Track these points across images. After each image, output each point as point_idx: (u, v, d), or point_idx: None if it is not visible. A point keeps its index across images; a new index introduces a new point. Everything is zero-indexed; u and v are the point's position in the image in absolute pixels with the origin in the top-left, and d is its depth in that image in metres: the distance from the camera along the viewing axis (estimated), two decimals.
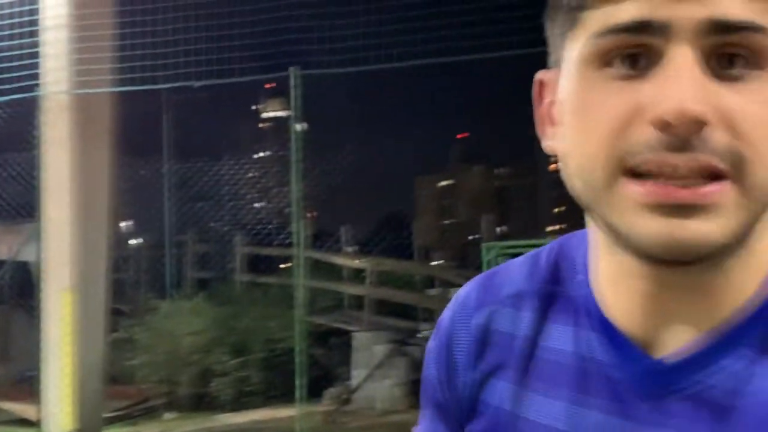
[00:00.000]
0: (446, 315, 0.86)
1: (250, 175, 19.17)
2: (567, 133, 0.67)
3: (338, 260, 15.60)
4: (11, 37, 11.17)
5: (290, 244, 13.19)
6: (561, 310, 0.76)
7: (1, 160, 13.41)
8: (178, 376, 12.37)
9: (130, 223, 18.62)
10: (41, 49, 11.19)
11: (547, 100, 0.73)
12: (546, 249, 0.82)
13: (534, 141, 0.80)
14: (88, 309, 11.19)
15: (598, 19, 0.63)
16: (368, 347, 12.55)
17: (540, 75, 0.74)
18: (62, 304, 10.20)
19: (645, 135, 0.60)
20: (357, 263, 15.18)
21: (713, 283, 0.66)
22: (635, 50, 0.62)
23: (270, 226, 16.58)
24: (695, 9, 0.60)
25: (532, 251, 0.84)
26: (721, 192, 0.60)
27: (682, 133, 0.59)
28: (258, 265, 16.55)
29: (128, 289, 16.56)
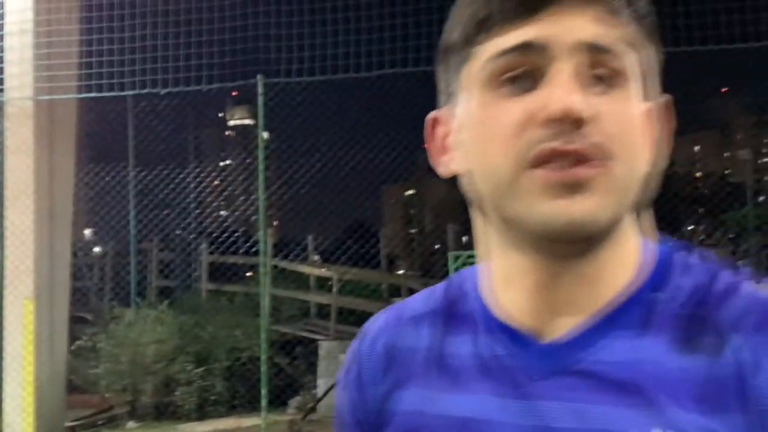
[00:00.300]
0: (354, 346, 0.96)
1: (216, 183, 19.10)
2: (469, 150, 0.80)
3: (304, 269, 15.60)
4: None
5: (256, 253, 13.14)
6: (458, 324, 0.86)
7: None
8: (142, 385, 12.28)
9: (94, 230, 18.45)
10: (4, 55, 11.09)
11: (440, 133, 0.86)
12: (442, 282, 0.94)
13: None
14: (51, 317, 11.09)
15: (489, 49, 0.76)
16: (334, 356, 12.55)
17: (431, 115, 0.87)
18: (24, 312, 10.10)
19: (537, 134, 0.73)
20: (323, 272, 15.19)
21: (592, 274, 0.78)
22: (522, 70, 0.75)
23: (236, 234, 16.49)
24: (568, 34, 0.74)
25: (431, 286, 0.95)
26: (596, 174, 0.73)
27: (568, 128, 0.72)
28: (223, 273, 16.48)
29: (92, 296, 16.40)
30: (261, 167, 10.19)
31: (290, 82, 10.77)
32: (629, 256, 0.80)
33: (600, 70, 0.74)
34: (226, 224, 18.80)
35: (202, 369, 12.63)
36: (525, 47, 0.74)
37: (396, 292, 14.83)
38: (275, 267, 14.00)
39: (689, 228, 18.28)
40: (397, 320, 0.92)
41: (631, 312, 0.77)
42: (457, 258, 11.10)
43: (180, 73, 10.86)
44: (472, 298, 0.87)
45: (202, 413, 12.41)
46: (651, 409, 0.72)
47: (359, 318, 14.28)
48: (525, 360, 0.79)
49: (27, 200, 10.78)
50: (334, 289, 14.16)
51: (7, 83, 10.97)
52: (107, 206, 15.18)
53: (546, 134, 0.72)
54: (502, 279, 0.82)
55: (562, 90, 0.72)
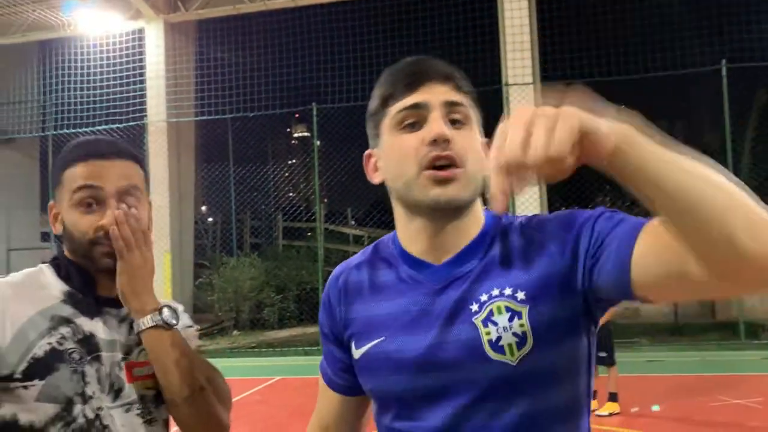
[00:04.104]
0: (327, 285, 1.05)
1: (286, 174, 19.08)
2: (388, 166, 0.94)
3: (345, 230, 15.61)
4: (128, 84, 11.13)
5: (314, 220, 13.19)
6: (383, 264, 0.98)
7: None
8: (242, 307, 12.39)
9: (208, 206, 18.53)
10: (147, 92, 11.13)
11: (372, 162, 0.99)
12: (372, 244, 1.04)
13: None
14: (181, 263, 11.18)
15: (395, 109, 0.92)
16: None
17: (366, 152, 0.99)
18: (164, 261, 10.19)
19: (426, 149, 0.89)
20: (357, 231, 15.21)
21: (461, 227, 0.93)
22: (414, 119, 0.91)
23: (300, 208, 16.52)
24: (437, 97, 0.90)
25: (366, 247, 1.05)
26: (458, 173, 0.88)
27: (442, 144, 0.88)
28: (293, 233, 16.52)
29: (208, 250, 16.52)
30: (315, 164, 10.21)
31: (334, 107, 10.77)
32: (479, 217, 0.95)
33: (456, 116, 0.90)
34: (293, 201, 18.82)
35: (280, 296, 12.71)
36: (415, 106, 0.90)
37: None
38: (326, 229, 14.04)
39: (599, 199, 18.10)
40: (347, 268, 1.02)
41: (479, 245, 0.93)
42: None
43: (262, 102, 10.89)
44: (391, 248, 0.99)
45: (281, 324, 12.50)
46: (497, 278, 0.89)
47: None
48: (426, 276, 0.93)
49: (164, 187, 10.85)
50: (366, 243, 14.15)
51: (149, 111, 11.02)
52: (216, 191, 15.22)
53: (431, 149, 0.88)
54: (407, 237, 0.96)
55: (437, 125, 0.88)
